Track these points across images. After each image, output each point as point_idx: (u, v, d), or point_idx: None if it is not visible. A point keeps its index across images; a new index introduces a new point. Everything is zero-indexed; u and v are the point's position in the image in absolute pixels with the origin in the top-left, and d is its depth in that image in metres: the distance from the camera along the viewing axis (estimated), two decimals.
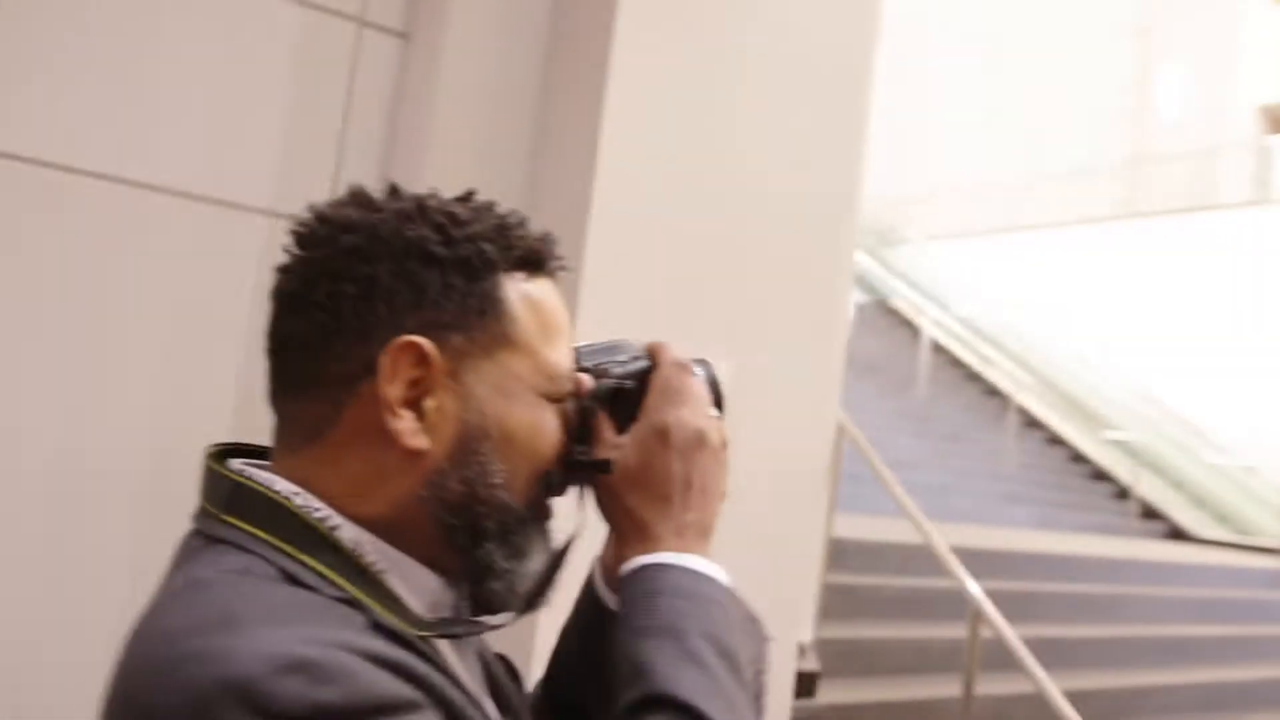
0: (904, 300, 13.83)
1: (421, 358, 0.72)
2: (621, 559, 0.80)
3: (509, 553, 0.76)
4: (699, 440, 0.81)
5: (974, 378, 12.14)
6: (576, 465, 0.81)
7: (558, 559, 0.81)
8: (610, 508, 0.82)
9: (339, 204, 0.77)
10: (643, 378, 0.84)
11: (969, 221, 15.21)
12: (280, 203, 2.11)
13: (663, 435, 0.81)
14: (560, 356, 0.79)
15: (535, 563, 0.78)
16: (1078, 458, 11.00)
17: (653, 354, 0.86)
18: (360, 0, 2.23)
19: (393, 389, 0.72)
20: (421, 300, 0.73)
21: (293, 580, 0.67)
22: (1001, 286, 14.09)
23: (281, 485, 0.74)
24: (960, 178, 15.74)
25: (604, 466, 0.80)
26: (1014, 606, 4.26)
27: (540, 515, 0.80)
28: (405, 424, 0.72)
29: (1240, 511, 10.97)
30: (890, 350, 11.52)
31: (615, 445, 0.82)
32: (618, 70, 2.18)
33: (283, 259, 0.77)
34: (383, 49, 2.27)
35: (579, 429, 0.81)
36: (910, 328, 12.71)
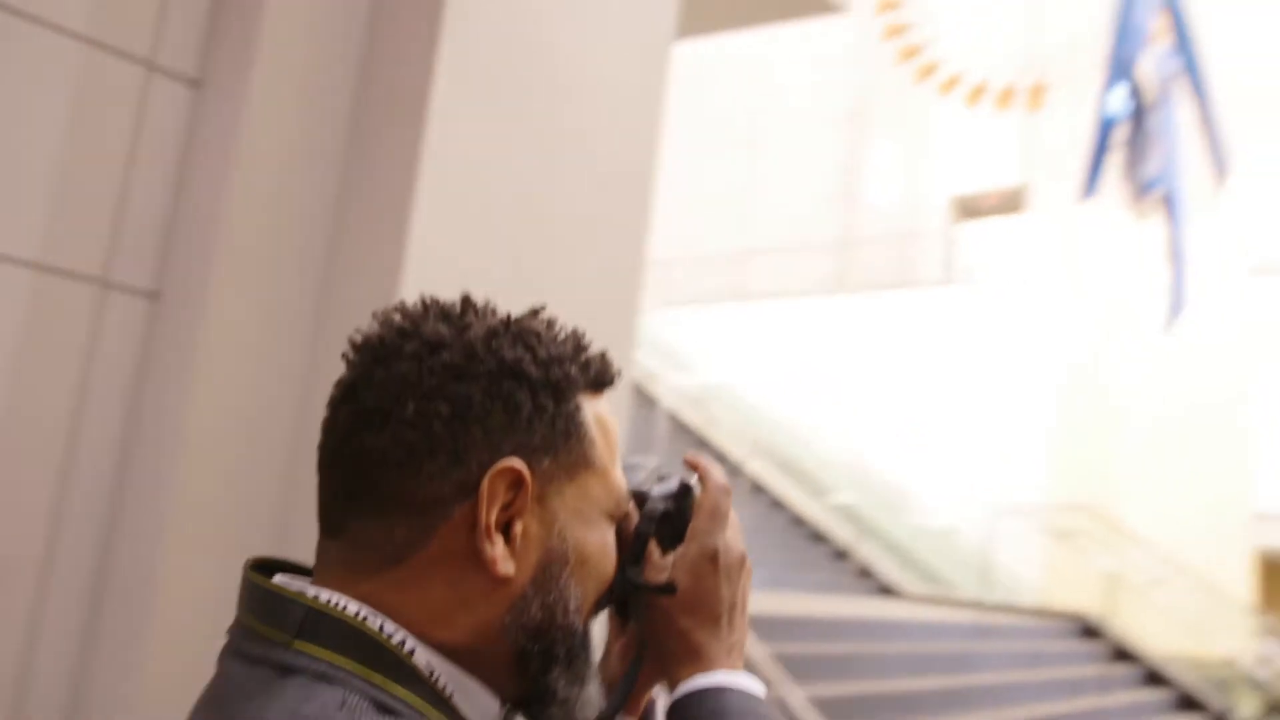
0: (640, 368, 14.13)
1: (516, 482, 0.71)
2: (674, 679, 0.81)
3: (571, 678, 0.76)
4: (742, 563, 0.85)
5: (705, 443, 12.52)
6: (635, 588, 0.81)
7: (629, 685, 0.83)
8: (662, 629, 0.83)
9: (418, 316, 0.75)
10: (679, 499, 0.85)
11: (699, 291, 15.83)
12: (48, 255, 1.83)
13: (714, 559, 0.83)
14: (621, 477, 0.81)
15: (591, 688, 0.78)
16: (798, 520, 11.52)
17: (700, 475, 0.87)
18: (150, 42, 1.99)
19: (490, 514, 0.71)
20: (515, 422, 0.72)
21: (384, 709, 0.66)
22: (728, 355, 14.70)
23: (354, 608, 0.70)
24: (690, 249, 16.37)
25: (669, 589, 0.81)
26: (749, 667, 4.31)
27: (589, 637, 0.80)
28: (499, 550, 0.71)
29: (942, 569, 11.82)
30: (628, 415, 11.68)
31: (663, 567, 0.83)
32: (432, 132, 2.05)
33: (352, 370, 0.74)
34: (174, 95, 2.04)
35: (635, 551, 0.82)
36: (646, 395, 12.98)
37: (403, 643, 0.69)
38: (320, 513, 0.75)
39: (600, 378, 0.78)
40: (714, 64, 16.22)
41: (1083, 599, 10.04)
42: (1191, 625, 10.21)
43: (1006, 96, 13.55)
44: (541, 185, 2.32)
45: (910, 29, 13.69)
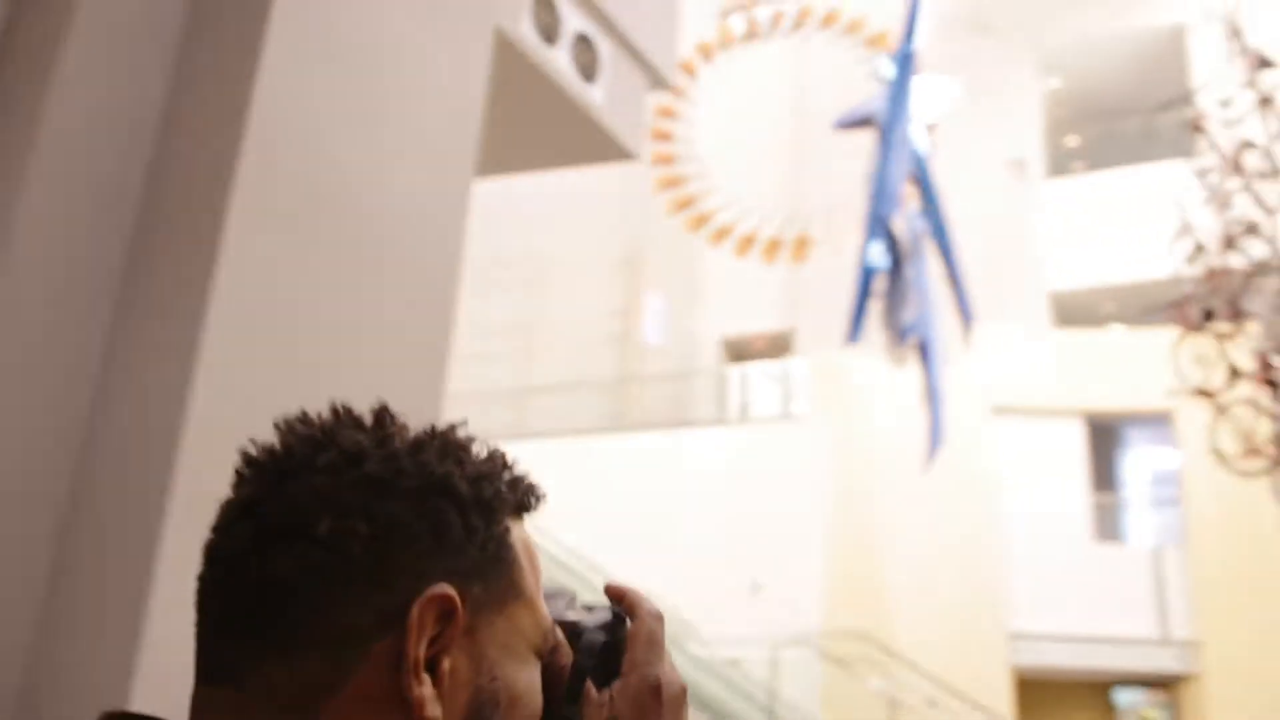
0: None
1: (447, 612, 0.62)
2: None
3: None
4: (684, 695, 0.76)
5: None
6: None
7: None
8: None
9: (330, 425, 0.66)
10: (614, 630, 0.77)
11: (480, 427, 15.70)
12: None
13: (656, 692, 0.74)
14: (545, 608, 0.73)
15: None
16: None
17: (629, 604, 0.79)
18: None
19: (419, 648, 0.61)
20: (444, 544, 0.63)
21: None
22: None
23: None
24: (471, 384, 16.32)
25: None
26: None
27: None
28: (427, 691, 0.60)
29: (728, 702, 11.91)
30: None
31: (601, 704, 0.73)
32: (226, 255, 2.02)
33: (248, 486, 0.63)
34: None
35: (573, 689, 0.73)
36: None
37: None
38: (200, 655, 0.63)
39: (526, 499, 0.72)
40: (499, 201, 16.52)
41: None
42: None
43: (773, 248, 14.45)
44: (338, 311, 2.31)
45: (684, 182, 14.47)
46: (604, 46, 4.45)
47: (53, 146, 1.88)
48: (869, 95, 11.90)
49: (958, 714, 11.23)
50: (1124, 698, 15.34)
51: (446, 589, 0.61)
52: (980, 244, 14.47)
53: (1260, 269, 8.60)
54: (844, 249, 13.62)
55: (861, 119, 11.19)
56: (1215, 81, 8.81)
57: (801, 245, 14.09)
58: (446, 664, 0.62)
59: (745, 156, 17.24)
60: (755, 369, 16.69)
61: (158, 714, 0.62)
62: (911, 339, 10.73)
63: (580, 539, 13.74)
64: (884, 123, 10.47)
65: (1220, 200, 8.77)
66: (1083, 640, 13.56)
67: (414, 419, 2.45)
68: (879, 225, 10.33)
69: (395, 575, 0.61)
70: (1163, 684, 14.74)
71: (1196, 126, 9.02)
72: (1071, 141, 18.65)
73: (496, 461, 0.70)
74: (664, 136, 13.91)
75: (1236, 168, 8.50)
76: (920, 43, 10.44)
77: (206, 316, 1.98)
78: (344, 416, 0.66)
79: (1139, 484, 17.29)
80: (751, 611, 12.53)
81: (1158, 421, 15.17)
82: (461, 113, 2.94)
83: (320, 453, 0.63)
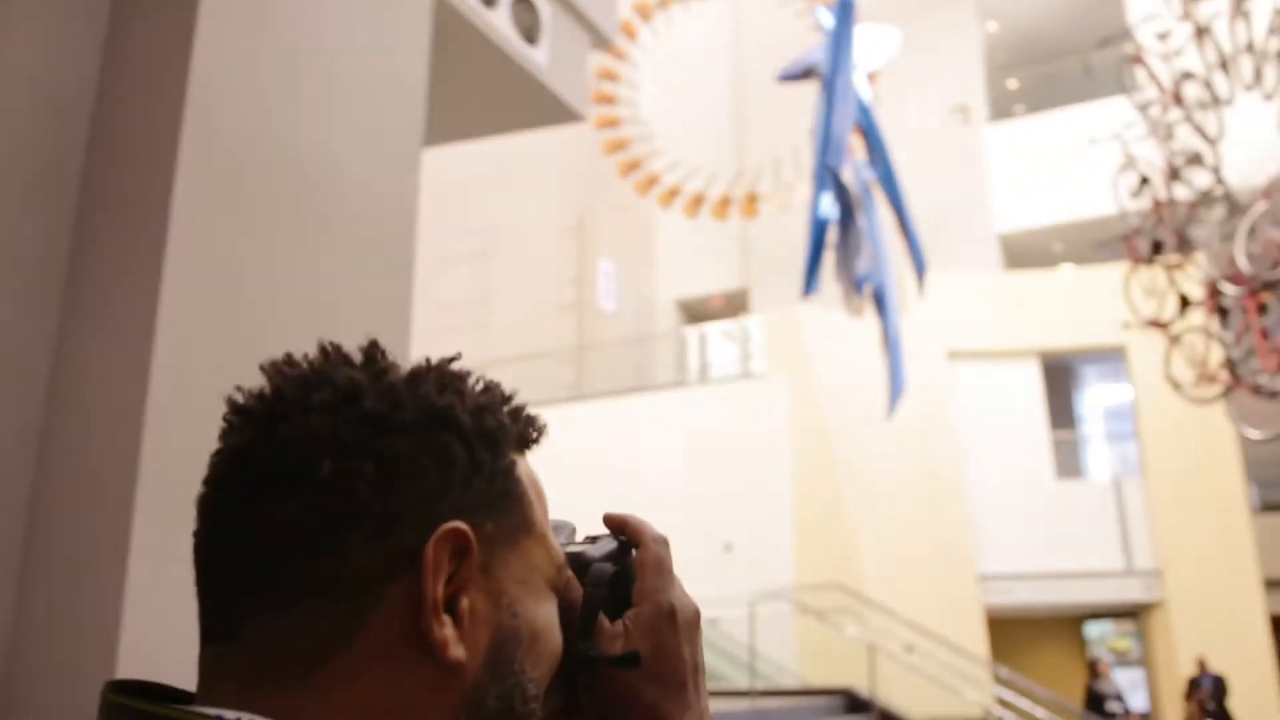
0: None
1: (461, 549, 0.58)
2: None
3: None
4: (698, 619, 0.73)
5: None
6: (591, 663, 0.68)
7: None
8: (624, 705, 0.69)
9: (321, 363, 0.61)
10: (620, 559, 0.74)
11: None
12: None
13: (671, 617, 0.70)
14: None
15: None
16: None
17: (632, 531, 0.75)
18: None
19: (437, 587, 0.57)
20: (450, 479, 0.59)
21: None
22: None
23: None
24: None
25: (633, 659, 0.68)
26: None
27: None
28: (449, 631, 0.57)
29: (710, 664, 12.01)
30: None
31: (615, 635, 0.70)
32: (175, 230, 1.96)
33: (238, 433, 0.59)
34: None
35: (585, 622, 0.69)
36: None
37: None
38: (204, 614, 0.60)
39: (528, 431, 0.67)
40: (445, 174, 16.36)
41: (845, 674, 10.49)
42: (945, 687, 10.84)
43: (723, 206, 14.44)
44: (294, 287, 2.26)
45: (630, 145, 14.39)
46: (544, 7, 4.38)
47: None
48: (809, 47, 11.88)
49: (935, 657, 11.39)
50: (1094, 630, 15.68)
51: (460, 525, 0.58)
52: (928, 191, 14.56)
53: (1205, 198, 8.71)
54: (793, 204, 13.65)
55: (804, 70, 11.16)
56: (1151, 16, 8.87)
57: (751, 202, 14.09)
58: (465, 603, 0.59)
59: (689, 116, 17.18)
60: (712, 329, 16.70)
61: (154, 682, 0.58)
62: (867, 288, 10.78)
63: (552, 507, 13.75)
64: (826, 73, 10.43)
65: (1162, 132, 8.86)
66: (1051, 577, 13.81)
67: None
68: (827, 176, 10.33)
69: (404, 514, 0.57)
70: (1131, 614, 15.07)
71: (1136, 60, 9.09)
72: (1012, 84, 18.75)
73: (495, 393, 0.65)
74: (607, 99, 13.81)
75: (1177, 99, 8.58)
76: None
77: (159, 298, 1.92)
78: (333, 354, 0.62)
79: (1096, 420, 17.59)
80: (725, 570, 12.61)
81: (1111, 357, 15.40)
82: (405, 79, 2.88)
83: (313, 392, 0.59)
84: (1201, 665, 12.30)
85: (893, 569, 13.09)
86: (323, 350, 0.63)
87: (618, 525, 0.75)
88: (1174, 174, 8.81)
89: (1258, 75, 7.90)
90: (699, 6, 14.94)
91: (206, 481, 0.60)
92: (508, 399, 0.66)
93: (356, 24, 2.61)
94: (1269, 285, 7.72)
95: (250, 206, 2.15)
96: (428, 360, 0.64)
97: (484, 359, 16.36)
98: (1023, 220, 16.62)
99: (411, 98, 2.88)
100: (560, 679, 0.67)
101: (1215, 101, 8.30)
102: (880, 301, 10.92)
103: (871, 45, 11.59)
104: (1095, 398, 17.95)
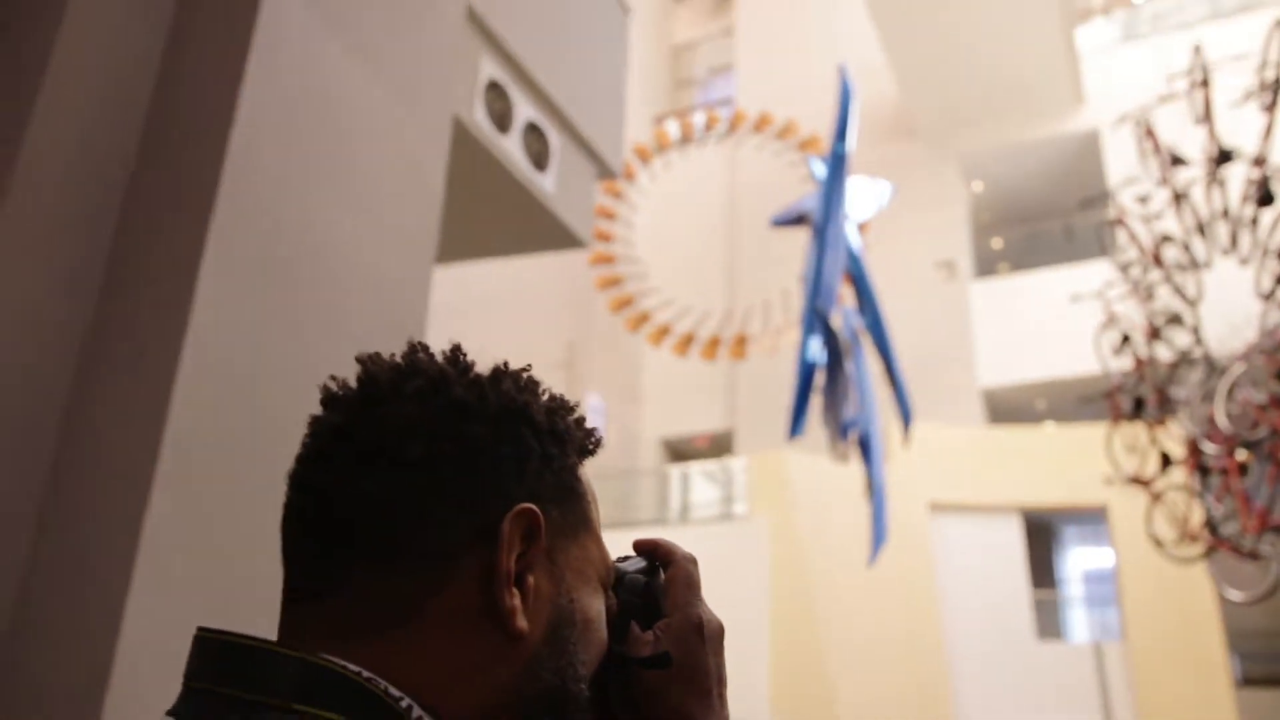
0: None
1: (530, 531, 0.65)
2: None
3: None
4: (723, 632, 0.79)
5: None
6: (626, 661, 0.74)
7: None
8: (654, 705, 0.74)
9: (412, 357, 0.69)
10: (651, 573, 0.80)
11: None
12: None
13: (699, 629, 0.76)
14: None
15: None
16: None
17: (664, 552, 0.81)
18: None
19: (509, 561, 0.64)
20: (524, 468, 0.66)
21: None
22: None
23: (354, 667, 0.60)
24: None
25: (664, 660, 0.74)
26: None
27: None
28: (517, 602, 0.64)
29: None
30: None
31: (646, 641, 0.75)
32: (197, 318, 2.02)
33: (339, 413, 0.66)
34: None
35: (620, 625, 0.75)
36: None
37: (409, 708, 0.60)
38: (292, 576, 0.65)
39: (588, 440, 0.74)
40: (441, 296, 16.57)
41: None
42: None
43: (712, 347, 14.62)
44: (303, 351, 2.31)
45: (622, 281, 14.65)
46: (554, 136, 4.55)
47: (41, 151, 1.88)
48: (802, 195, 12.24)
49: None
50: None
51: (532, 506, 0.64)
52: (912, 343, 14.79)
53: (1184, 358, 8.88)
54: (781, 347, 13.84)
55: (796, 217, 11.47)
56: (1131, 180, 9.21)
57: (740, 343, 14.28)
58: (531, 580, 0.65)
59: (682, 256, 17.55)
60: (696, 469, 16.69)
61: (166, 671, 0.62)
62: (852, 435, 10.83)
63: None
64: (818, 220, 10.73)
65: (1143, 293, 9.09)
66: None
67: None
68: (816, 320, 10.50)
69: (482, 496, 0.64)
70: None
71: (1117, 222, 9.39)
72: (996, 243, 19.27)
73: (563, 402, 0.72)
74: (603, 237, 14.11)
75: (1157, 261, 8.84)
76: (851, 144, 10.79)
77: (180, 359, 1.96)
78: (421, 351, 0.69)
79: (1077, 580, 17.48)
80: None
81: (1093, 518, 15.41)
82: (424, 190, 2.98)
83: (407, 381, 0.66)
84: None
85: (867, 716, 12.80)
86: (412, 347, 0.69)
87: (649, 548, 0.81)
88: (1155, 333, 9.01)
89: (1233, 240, 8.18)
90: (697, 152, 15.43)
91: (302, 457, 0.67)
92: (572, 409, 0.73)
93: (385, 132, 2.72)
94: (1249, 445, 7.82)
95: (272, 280, 2.21)
96: (505, 364, 0.71)
97: None
98: (1006, 376, 16.85)
99: (429, 207, 2.98)
100: (594, 678, 0.70)
101: (1194, 264, 8.56)
102: (865, 448, 10.97)
103: (863, 196, 11.95)
104: (1077, 559, 17.89)
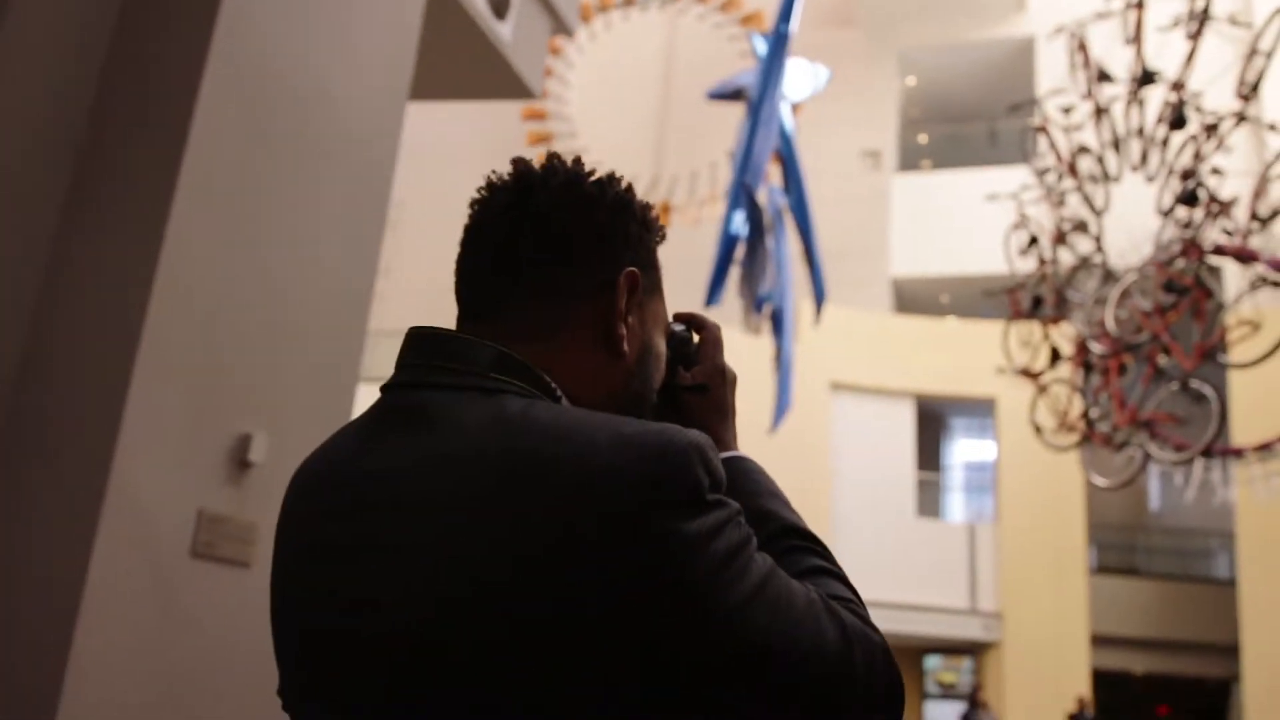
0: None
1: (633, 286, 0.91)
2: None
3: None
4: (735, 379, 1.06)
5: None
6: (677, 388, 1.03)
7: None
8: (692, 419, 1.00)
9: (548, 164, 0.93)
10: (689, 333, 1.08)
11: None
12: None
13: (724, 373, 1.04)
14: None
15: None
16: None
17: (698, 320, 1.08)
18: None
19: (623, 303, 0.90)
20: (629, 242, 0.93)
21: None
22: None
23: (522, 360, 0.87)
24: None
25: (704, 389, 1.03)
26: None
27: None
28: (625, 331, 0.91)
29: None
30: None
31: (689, 377, 1.03)
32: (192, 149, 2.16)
33: (505, 193, 0.91)
34: None
35: (671, 363, 1.02)
36: None
37: (557, 391, 0.87)
38: (472, 298, 0.92)
39: (661, 230, 0.99)
40: None
41: None
42: None
43: None
44: (291, 196, 2.49)
45: (552, 139, 14.60)
46: None
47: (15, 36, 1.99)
48: (738, 71, 12.27)
49: None
50: (930, 662, 16.44)
51: (636, 270, 0.92)
52: (832, 227, 15.12)
53: (1085, 264, 9.37)
54: (703, 219, 14.05)
55: (733, 91, 11.53)
56: (1058, 90, 9.51)
57: (665, 211, 14.43)
58: (632, 320, 0.92)
59: (614, 121, 17.46)
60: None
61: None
62: (766, 308, 11.16)
63: None
64: (754, 97, 10.82)
65: (1055, 199, 9.50)
66: (900, 608, 14.41)
67: (350, 291, 2.66)
68: (743, 194, 10.68)
69: (607, 256, 0.91)
70: (970, 651, 15.83)
71: (1040, 129, 9.72)
72: (922, 139, 19.56)
73: (647, 203, 0.97)
74: None
75: (1072, 170, 9.22)
76: (794, 25, 10.82)
77: (175, 192, 2.11)
78: (553, 158, 0.94)
79: (959, 468, 18.44)
80: None
81: (981, 410, 16.20)
82: (401, 35, 3.08)
83: (551, 177, 0.91)
84: (1081, 704, 12.97)
85: None
86: (547, 156, 0.95)
87: (688, 317, 1.09)
88: (1061, 238, 9.45)
89: (1144, 158, 8.59)
90: (639, 15, 15.27)
91: (474, 225, 0.93)
92: (652, 208, 0.99)
93: None
94: (1131, 348, 8.38)
95: (262, 129, 2.36)
96: (613, 172, 0.96)
97: (377, 328, 16.33)
98: (916, 268, 17.36)
99: (405, 53, 3.10)
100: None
101: (1105, 177, 8.96)
102: (777, 322, 11.31)
103: (800, 78, 12.04)
104: (961, 449, 18.84)
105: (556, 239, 0.90)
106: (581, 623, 0.71)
